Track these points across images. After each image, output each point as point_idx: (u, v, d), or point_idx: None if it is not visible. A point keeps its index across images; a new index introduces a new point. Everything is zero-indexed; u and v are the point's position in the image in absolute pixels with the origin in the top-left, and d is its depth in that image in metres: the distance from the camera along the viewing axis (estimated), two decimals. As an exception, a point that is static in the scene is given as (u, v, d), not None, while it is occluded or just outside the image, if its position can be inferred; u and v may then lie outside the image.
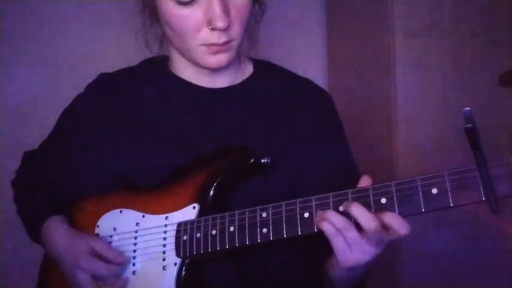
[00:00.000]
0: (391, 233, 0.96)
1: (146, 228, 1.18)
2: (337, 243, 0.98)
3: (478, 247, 1.80)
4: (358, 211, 0.95)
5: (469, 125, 0.83)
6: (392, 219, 0.95)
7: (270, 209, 1.05)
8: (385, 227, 0.96)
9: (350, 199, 0.98)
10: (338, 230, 0.97)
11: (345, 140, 1.31)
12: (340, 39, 2.18)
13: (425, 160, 1.78)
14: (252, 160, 1.13)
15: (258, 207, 1.06)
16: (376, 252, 0.98)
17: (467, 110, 0.83)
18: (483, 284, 1.79)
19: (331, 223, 0.97)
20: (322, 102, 1.31)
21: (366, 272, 1.11)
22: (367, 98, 1.96)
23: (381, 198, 0.96)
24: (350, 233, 0.96)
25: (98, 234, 1.23)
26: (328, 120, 1.30)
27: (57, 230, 1.24)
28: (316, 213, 1.00)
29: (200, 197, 1.14)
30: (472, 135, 0.84)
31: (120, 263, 1.17)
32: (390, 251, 1.78)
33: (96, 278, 1.16)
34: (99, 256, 1.16)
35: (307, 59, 2.25)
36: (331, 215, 0.97)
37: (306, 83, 1.33)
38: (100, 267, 1.15)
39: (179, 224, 1.14)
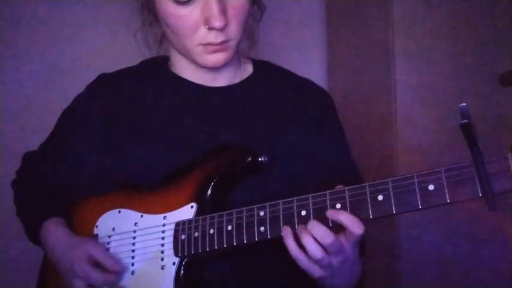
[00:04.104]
0: (348, 235, 0.98)
1: (144, 228, 1.18)
2: (301, 263, 1.02)
3: (478, 247, 1.79)
4: (313, 228, 0.98)
5: (465, 121, 0.83)
6: (346, 219, 0.97)
7: (268, 207, 1.05)
8: (341, 227, 0.98)
9: (347, 197, 0.98)
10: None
11: (345, 139, 1.31)
12: (340, 39, 2.18)
13: (425, 159, 1.77)
14: (249, 159, 1.13)
15: (255, 206, 1.06)
16: (339, 260, 1.01)
17: (463, 105, 0.83)
18: (483, 284, 1.78)
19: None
20: (322, 101, 1.31)
21: (353, 277, 1.11)
22: (367, 97, 1.96)
23: (377, 195, 0.95)
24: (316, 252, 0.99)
25: (97, 235, 1.23)
26: (328, 120, 1.30)
27: (55, 233, 1.24)
28: (313, 211, 1.01)
29: (198, 197, 1.14)
30: (468, 131, 0.84)
31: (117, 271, 1.16)
32: (390, 251, 1.79)
33: (92, 285, 1.16)
34: (96, 263, 1.16)
35: (307, 58, 2.25)
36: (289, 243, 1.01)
37: (306, 82, 1.34)
38: (96, 277, 1.14)
39: (177, 224, 1.14)
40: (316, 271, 1.01)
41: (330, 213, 0.98)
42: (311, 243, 0.98)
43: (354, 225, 0.97)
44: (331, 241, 0.97)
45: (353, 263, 1.05)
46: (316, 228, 0.98)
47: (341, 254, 1.00)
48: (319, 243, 0.98)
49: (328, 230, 0.98)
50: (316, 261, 1.00)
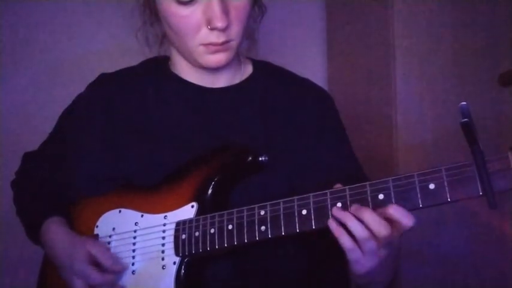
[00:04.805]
0: (397, 228, 0.95)
1: (145, 228, 1.18)
2: (355, 254, 0.97)
3: (478, 247, 1.79)
4: (371, 218, 0.94)
5: (465, 120, 0.83)
6: (396, 212, 0.93)
7: (268, 206, 1.05)
8: (389, 221, 0.94)
9: (348, 196, 0.98)
10: (358, 241, 0.95)
11: (346, 139, 1.31)
12: (340, 38, 2.18)
13: (425, 159, 1.77)
14: (250, 159, 1.13)
15: (256, 205, 1.06)
16: (387, 253, 0.98)
17: (464, 104, 0.83)
18: (483, 284, 1.78)
19: (352, 230, 0.95)
20: (322, 101, 1.32)
21: (390, 273, 1.10)
22: (367, 97, 1.96)
23: (378, 194, 0.96)
24: (369, 243, 0.95)
25: (97, 235, 1.23)
26: (328, 120, 1.30)
27: (55, 232, 1.24)
28: (313, 211, 1.00)
29: (198, 196, 1.14)
30: (468, 130, 0.84)
31: (117, 271, 1.17)
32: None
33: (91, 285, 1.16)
34: (96, 263, 1.16)
35: (307, 58, 2.25)
36: (353, 223, 0.95)
37: (306, 82, 1.34)
38: (95, 277, 1.14)
39: (178, 223, 1.14)
40: (364, 263, 0.97)
41: (379, 211, 0.95)
42: (362, 230, 0.94)
43: (404, 217, 0.93)
44: (388, 233, 0.93)
45: (394, 259, 1.04)
46: (370, 218, 0.94)
47: (389, 246, 0.97)
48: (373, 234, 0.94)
49: (385, 222, 0.93)
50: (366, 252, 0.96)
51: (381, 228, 0.93)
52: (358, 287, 1.12)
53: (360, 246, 0.96)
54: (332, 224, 0.97)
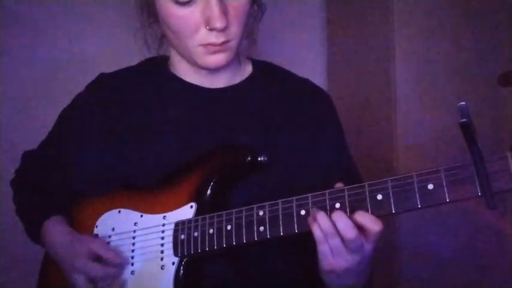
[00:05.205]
0: (366, 234, 0.97)
1: (144, 228, 1.18)
2: (322, 246, 1.00)
3: (477, 247, 1.79)
4: (338, 218, 0.97)
5: (464, 120, 0.82)
6: (363, 218, 0.96)
7: (267, 207, 1.05)
8: (359, 228, 0.97)
9: (346, 196, 0.98)
10: (324, 234, 0.98)
11: (344, 139, 1.31)
12: (340, 39, 2.18)
13: (425, 159, 1.77)
14: (249, 159, 1.13)
15: (254, 206, 1.06)
16: (356, 259, 0.99)
17: (463, 104, 0.83)
18: (483, 283, 1.78)
19: (319, 225, 0.98)
20: (321, 102, 1.31)
21: (361, 280, 1.10)
22: (367, 97, 1.96)
23: (377, 195, 0.96)
24: (334, 239, 0.98)
25: (96, 235, 1.23)
26: (327, 120, 1.30)
27: (56, 231, 1.24)
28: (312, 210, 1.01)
29: (197, 196, 1.14)
30: (467, 130, 0.84)
31: (118, 264, 1.17)
32: (390, 250, 1.79)
33: (93, 280, 1.16)
34: (97, 258, 1.16)
35: (307, 58, 2.25)
36: (321, 216, 0.98)
37: (305, 83, 1.34)
38: (97, 270, 1.15)
39: (177, 224, 1.14)
40: (331, 261, 1.00)
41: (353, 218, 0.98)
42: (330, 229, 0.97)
43: (369, 222, 0.96)
44: (354, 236, 0.96)
45: (367, 265, 1.04)
46: (338, 218, 0.97)
47: (359, 252, 0.99)
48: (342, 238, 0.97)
49: (352, 224, 0.96)
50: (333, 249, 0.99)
51: (346, 229, 0.96)
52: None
53: (327, 241, 0.98)
54: (310, 218, 1.00)
